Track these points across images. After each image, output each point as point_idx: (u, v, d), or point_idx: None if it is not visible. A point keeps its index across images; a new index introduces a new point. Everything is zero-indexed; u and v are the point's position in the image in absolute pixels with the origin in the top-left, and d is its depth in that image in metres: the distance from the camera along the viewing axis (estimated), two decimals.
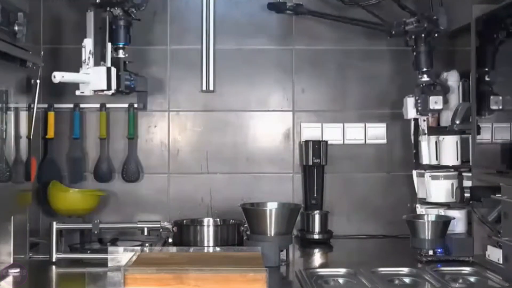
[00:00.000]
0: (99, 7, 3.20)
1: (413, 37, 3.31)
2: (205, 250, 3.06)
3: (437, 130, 3.42)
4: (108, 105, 3.62)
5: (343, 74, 3.75)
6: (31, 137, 2.94)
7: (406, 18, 3.29)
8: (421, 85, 3.31)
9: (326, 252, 3.42)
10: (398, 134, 3.73)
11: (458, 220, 3.14)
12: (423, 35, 3.27)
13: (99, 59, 3.19)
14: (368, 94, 3.74)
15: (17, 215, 2.75)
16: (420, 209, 3.37)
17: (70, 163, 3.64)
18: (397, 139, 3.74)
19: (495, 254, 2.80)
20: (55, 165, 3.62)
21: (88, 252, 3.19)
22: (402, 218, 3.12)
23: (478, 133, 2.97)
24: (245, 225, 3.13)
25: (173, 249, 2.95)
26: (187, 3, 3.72)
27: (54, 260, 3.01)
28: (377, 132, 3.74)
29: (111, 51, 3.22)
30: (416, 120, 3.44)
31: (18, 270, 2.65)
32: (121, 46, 3.25)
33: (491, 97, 2.89)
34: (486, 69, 2.95)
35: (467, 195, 2.94)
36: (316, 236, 3.53)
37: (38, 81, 2.92)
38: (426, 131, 3.39)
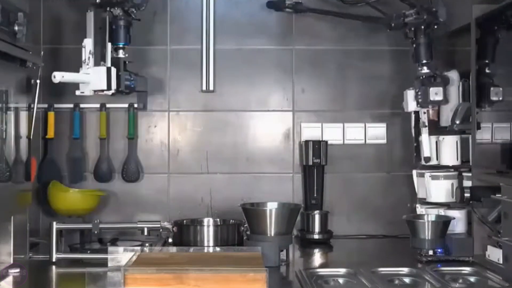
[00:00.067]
0: (99, 7, 3.20)
1: (412, 29, 3.31)
2: (205, 250, 3.06)
3: (437, 130, 3.42)
4: (108, 105, 3.62)
5: (343, 74, 3.75)
6: (31, 137, 2.94)
7: (405, 10, 3.29)
8: (421, 77, 3.31)
9: (326, 252, 3.42)
10: (398, 134, 3.74)
11: (458, 220, 3.14)
12: (422, 27, 3.27)
13: (99, 59, 3.19)
14: (368, 94, 3.74)
15: (17, 215, 2.75)
16: (420, 209, 3.37)
17: (70, 163, 3.64)
18: (397, 139, 3.74)
19: (495, 254, 2.80)
20: (55, 165, 3.62)
21: (88, 252, 3.18)
22: (402, 218, 3.12)
23: (479, 127, 2.96)
24: (245, 225, 3.13)
25: (173, 249, 2.95)
26: (187, 3, 3.72)
27: (54, 260, 3.01)
28: (377, 132, 3.74)
29: (111, 51, 3.22)
30: (416, 113, 3.43)
31: (18, 270, 2.65)
32: (121, 46, 3.26)
33: (491, 88, 2.89)
34: (486, 61, 2.95)
35: (467, 195, 2.94)
36: (316, 236, 3.53)
37: (38, 81, 2.92)
38: (426, 124, 3.37)
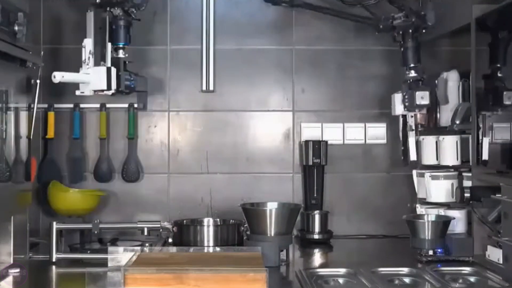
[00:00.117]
0: (99, 7, 3.20)
1: (400, 32, 3.32)
2: (205, 250, 3.06)
3: (437, 130, 3.43)
4: (108, 105, 3.62)
5: (343, 74, 3.75)
6: (31, 137, 2.94)
7: (394, 14, 3.30)
8: (408, 81, 3.32)
9: (326, 252, 3.42)
10: (398, 134, 3.72)
11: (458, 220, 3.14)
12: (410, 30, 3.29)
13: (99, 59, 3.19)
14: (368, 94, 3.74)
15: (17, 215, 2.75)
16: (420, 209, 3.37)
17: (70, 163, 3.64)
18: (397, 139, 3.72)
19: (495, 254, 2.80)
20: (55, 165, 3.62)
21: (88, 252, 3.19)
22: (402, 218, 3.12)
23: (491, 129, 2.96)
24: (245, 225, 3.13)
25: (173, 249, 2.95)
26: (187, 3, 3.72)
27: (54, 260, 3.01)
28: (377, 132, 3.74)
29: (111, 51, 3.22)
30: (404, 116, 3.44)
31: (18, 270, 2.65)
32: (121, 46, 3.25)
33: (504, 92, 2.89)
34: (498, 65, 2.95)
35: (467, 195, 2.94)
36: (316, 236, 3.53)
37: (38, 81, 2.92)
38: (413, 128, 3.39)
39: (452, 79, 3.34)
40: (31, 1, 2.89)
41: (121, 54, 3.26)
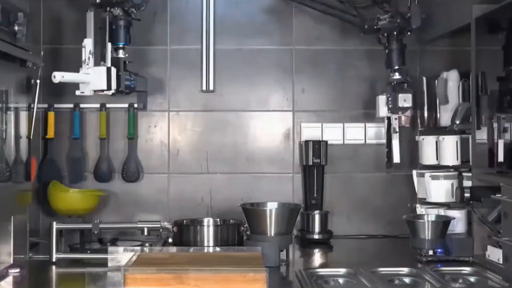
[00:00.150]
0: (99, 7, 3.20)
1: (385, 34, 3.33)
2: (205, 250, 3.06)
3: (437, 130, 3.43)
4: (108, 105, 3.62)
5: (343, 74, 3.75)
6: (31, 137, 2.94)
7: (380, 15, 3.31)
8: (392, 83, 3.33)
9: (326, 252, 3.42)
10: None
11: (458, 220, 3.14)
12: (395, 32, 3.30)
13: (99, 59, 3.19)
14: (368, 94, 3.74)
15: (17, 215, 2.75)
16: (420, 209, 3.37)
17: (70, 163, 3.65)
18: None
19: (495, 254, 2.80)
20: (55, 165, 3.62)
21: (88, 252, 3.18)
22: (402, 218, 3.12)
23: (505, 131, 2.95)
24: (245, 225, 3.13)
25: (173, 249, 2.95)
26: (187, 3, 3.73)
27: (54, 260, 3.01)
28: (377, 132, 3.73)
29: (111, 51, 3.22)
30: (389, 118, 3.46)
31: (18, 270, 2.65)
32: (121, 46, 3.26)
33: None
34: None
35: (467, 195, 2.94)
36: (316, 236, 3.53)
37: (38, 81, 2.92)
38: (397, 130, 3.42)
39: (452, 79, 3.34)
40: (31, 1, 2.89)
41: (121, 54, 3.26)
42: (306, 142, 3.64)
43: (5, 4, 2.54)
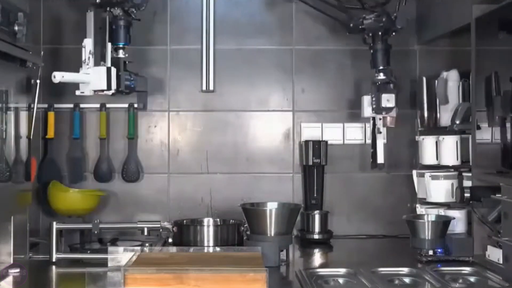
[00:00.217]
0: (99, 7, 3.20)
1: (370, 34, 3.33)
2: (205, 250, 3.06)
3: (437, 130, 3.43)
4: (108, 105, 3.63)
5: (343, 74, 3.75)
6: (31, 137, 2.94)
7: (366, 14, 3.32)
8: (377, 83, 3.34)
9: (326, 252, 3.42)
10: (398, 134, 3.73)
11: (458, 220, 3.15)
12: (380, 33, 3.30)
13: (99, 59, 3.20)
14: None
15: (17, 215, 2.75)
16: (420, 209, 3.37)
17: (70, 163, 3.64)
18: (397, 139, 3.74)
19: (495, 254, 2.80)
20: (55, 165, 3.62)
21: (88, 252, 3.18)
22: (402, 218, 3.12)
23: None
24: (245, 225, 3.13)
25: (173, 249, 2.95)
26: (187, 3, 3.73)
27: (54, 260, 3.01)
28: None
29: (111, 51, 3.22)
30: (374, 119, 3.47)
31: (18, 270, 2.65)
32: (121, 46, 3.26)
33: None
34: None
35: (467, 195, 2.94)
36: (316, 236, 3.53)
37: (38, 81, 2.92)
38: (381, 130, 3.43)
39: (452, 79, 3.35)
40: (31, 1, 2.89)
41: (121, 54, 3.26)
42: (306, 142, 3.64)
43: (5, 4, 2.54)
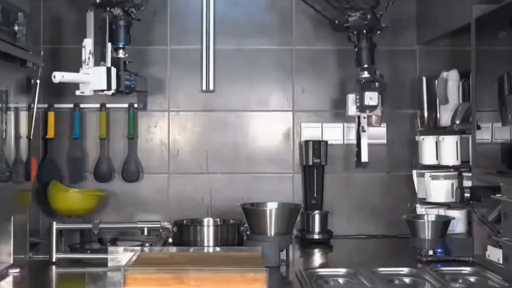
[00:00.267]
0: (99, 7, 3.20)
1: (355, 33, 3.33)
2: (205, 250, 3.06)
3: (437, 130, 3.43)
4: (108, 105, 3.62)
5: (343, 74, 3.75)
6: (31, 137, 2.94)
7: (351, 12, 3.32)
8: (361, 82, 3.34)
9: (326, 252, 3.42)
10: (398, 134, 3.74)
11: (458, 220, 3.15)
12: (364, 31, 3.30)
13: (99, 59, 3.20)
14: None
15: (17, 215, 2.75)
16: (420, 209, 3.37)
17: (70, 163, 3.64)
18: (397, 139, 3.74)
19: (495, 254, 2.80)
20: (55, 165, 3.62)
21: (88, 252, 3.18)
22: (402, 218, 3.12)
23: None
24: (245, 225, 3.13)
25: (173, 249, 2.95)
26: (187, 3, 3.72)
27: (54, 260, 3.01)
28: (377, 132, 3.73)
29: (111, 51, 3.22)
30: (359, 117, 3.48)
31: (18, 270, 2.65)
32: (121, 46, 3.26)
33: None
34: None
35: (467, 195, 2.94)
36: (316, 236, 3.53)
37: (38, 81, 2.92)
38: (366, 129, 3.44)
39: (452, 79, 3.35)
40: (31, 1, 2.89)
41: (121, 54, 3.26)
42: (306, 142, 3.64)
43: (5, 4, 2.54)
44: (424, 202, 3.41)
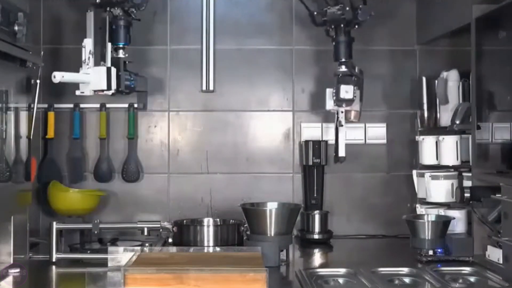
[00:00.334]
0: (99, 7, 3.20)
1: (333, 27, 3.34)
2: (205, 250, 3.06)
3: (437, 130, 3.43)
4: (108, 105, 3.62)
5: None
6: (31, 137, 2.94)
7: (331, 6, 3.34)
8: (338, 76, 3.34)
9: (326, 252, 3.42)
10: (398, 134, 3.74)
11: (458, 220, 3.14)
12: (342, 25, 3.30)
13: (99, 59, 3.20)
14: (368, 94, 3.72)
15: (17, 215, 2.75)
16: (420, 209, 3.37)
17: (70, 163, 3.64)
18: (397, 139, 3.74)
19: (495, 254, 2.80)
20: (55, 165, 3.62)
21: (88, 252, 3.19)
22: (402, 218, 3.12)
23: None
24: (245, 225, 3.13)
25: (173, 249, 2.95)
26: (187, 3, 3.72)
27: (54, 260, 3.01)
28: (377, 132, 3.73)
29: (111, 51, 3.22)
30: (338, 113, 3.50)
31: (18, 270, 2.65)
32: (121, 46, 3.26)
33: None
34: None
35: (467, 195, 2.94)
36: (316, 236, 3.53)
37: (38, 81, 2.92)
38: (343, 123, 3.45)
39: (452, 79, 3.35)
40: (31, 1, 2.89)
41: (121, 54, 3.26)
42: (306, 142, 3.64)
43: (5, 4, 2.54)
44: (424, 202, 3.41)
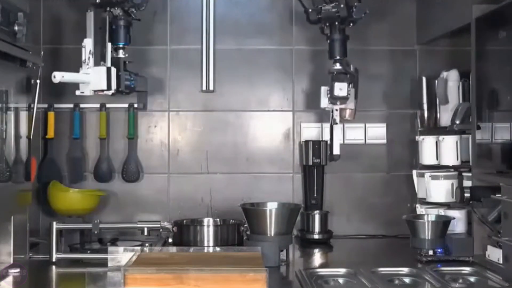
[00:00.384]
0: (99, 7, 3.20)
1: (327, 25, 3.34)
2: (205, 250, 3.06)
3: (437, 130, 3.43)
4: (108, 105, 3.63)
5: None
6: (31, 137, 2.94)
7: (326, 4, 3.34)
8: (333, 73, 3.34)
9: (326, 252, 3.42)
10: (398, 134, 3.74)
11: (458, 220, 3.14)
12: (336, 22, 3.30)
13: (99, 59, 3.20)
14: (368, 94, 3.73)
15: (17, 215, 2.75)
16: (420, 209, 3.37)
17: (70, 163, 3.64)
18: (397, 139, 3.74)
19: (495, 254, 2.80)
20: (55, 165, 3.62)
21: (88, 252, 3.19)
22: (402, 218, 3.12)
23: None
24: (245, 225, 3.13)
25: (173, 249, 2.95)
26: (187, 3, 3.72)
27: (54, 260, 3.01)
28: (377, 132, 3.73)
29: (111, 51, 3.22)
30: (333, 111, 3.50)
31: (18, 270, 2.65)
32: (121, 46, 3.26)
33: None
34: None
35: (467, 195, 2.94)
36: (316, 236, 3.53)
37: (38, 81, 2.92)
38: (337, 121, 3.45)
39: (452, 79, 3.35)
40: (31, 1, 2.89)
41: (121, 54, 3.26)
42: (306, 142, 3.64)
43: (5, 4, 2.54)
44: (424, 202, 3.41)
